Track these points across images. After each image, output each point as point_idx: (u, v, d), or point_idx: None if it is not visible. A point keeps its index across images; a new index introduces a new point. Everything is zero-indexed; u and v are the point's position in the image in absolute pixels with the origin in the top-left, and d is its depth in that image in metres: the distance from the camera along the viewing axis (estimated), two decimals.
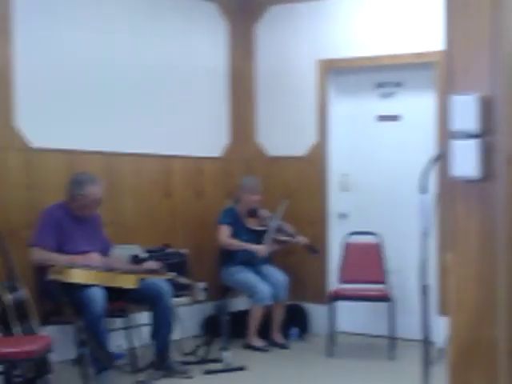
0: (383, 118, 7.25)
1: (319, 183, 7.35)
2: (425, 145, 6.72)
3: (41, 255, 5.51)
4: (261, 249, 6.73)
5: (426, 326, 4.06)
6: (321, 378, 5.93)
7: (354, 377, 5.94)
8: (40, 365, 4.87)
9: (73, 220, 5.70)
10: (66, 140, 6.13)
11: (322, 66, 7.31)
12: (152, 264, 5.89)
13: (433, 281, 6.32)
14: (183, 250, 6.56)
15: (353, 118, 7.39)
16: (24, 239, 5.70)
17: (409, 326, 6.81)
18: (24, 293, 5.23)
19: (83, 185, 5.68)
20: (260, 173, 7.51)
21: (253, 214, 6.91)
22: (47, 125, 6.02)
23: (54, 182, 6.06)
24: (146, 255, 6.13)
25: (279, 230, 6.90)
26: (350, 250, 6.86)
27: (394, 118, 7.20)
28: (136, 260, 6.08)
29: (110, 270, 5.60)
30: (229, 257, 6.81)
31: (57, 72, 6.09)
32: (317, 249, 6.98)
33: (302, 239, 6.94)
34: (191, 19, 7.24)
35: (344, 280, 6.79)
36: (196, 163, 7.27)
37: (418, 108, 7.06)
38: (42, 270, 5.52)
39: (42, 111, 5.98)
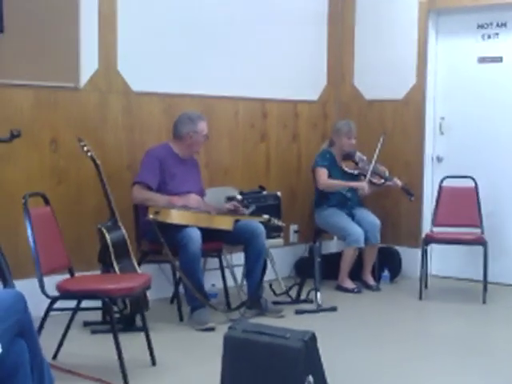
0: (484, 60, 7.09)
1: (416, 126, 7.27)
2: None
3: (141, 194, 5.62)
4: (363, 185, 6.72)
5: None
6: (412, 320, 5.98)
7: (445, 320, 5.95)
8: (138, 302, 4.96)
9: (175, 161, 5.79)
10: (164, 84, 6.21)
11: (423, 6, 7.17)
12: (230, 205, 5.88)
13: None
14: (278, 193, 6.63)
15: (453, 59, 7.26)
16: (124, 180, 5.87)
17: (503, 271, 6.81)
18: (123, 232, 5.31)
19: (195, 121, 5.76)
20: (357, 116, 7.49)
21: (348, 157, 6.91)
22: (146, 69, 6.09)
23: (153, 124, 6.21)
24: (240, 197, 6.18)
25: (375, 173, 6.88)
26: (445, 193, 6.81)
27: (496, 59, 7.04)
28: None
29: (206, 211, 5.69)
30: (323, 199, 6.85)
31: (157, 17, 6.14)
32: (412, 191, 6.93)
33: (397, 182, 6.92)
34: None
35: (438, 223, 6.74)
36: (292, 106, 7.28)
37: None
38: (141, 210, 5.69)
39: (141, 55, 6.05)
